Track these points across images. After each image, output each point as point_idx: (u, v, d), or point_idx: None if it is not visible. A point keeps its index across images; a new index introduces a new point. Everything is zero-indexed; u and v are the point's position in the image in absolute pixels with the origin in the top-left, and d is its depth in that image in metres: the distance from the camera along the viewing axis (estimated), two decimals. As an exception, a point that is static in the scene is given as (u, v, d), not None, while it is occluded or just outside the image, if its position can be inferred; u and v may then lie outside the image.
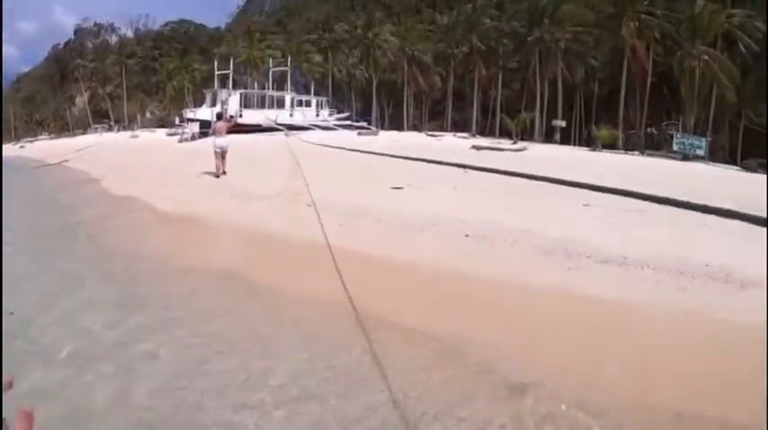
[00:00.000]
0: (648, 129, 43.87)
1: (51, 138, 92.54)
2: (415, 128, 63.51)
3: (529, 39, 53.61)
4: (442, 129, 59.37)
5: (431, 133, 44.13)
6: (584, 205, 10.80)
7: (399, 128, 61.74)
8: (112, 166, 26.12)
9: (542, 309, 6.14)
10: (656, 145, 36.82)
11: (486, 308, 6.37)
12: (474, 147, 27.06)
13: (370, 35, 68.66)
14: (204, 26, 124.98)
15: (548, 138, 50.08)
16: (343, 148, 25.25)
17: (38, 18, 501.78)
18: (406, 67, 66.04)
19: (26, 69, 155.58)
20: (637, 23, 46.39)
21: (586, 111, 57.02)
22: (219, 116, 21.55)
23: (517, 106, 57.29)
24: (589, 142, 43.07)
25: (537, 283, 6.68)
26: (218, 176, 17.30)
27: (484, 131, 56.28)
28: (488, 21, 61.79)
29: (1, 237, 8.97)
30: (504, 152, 25.94)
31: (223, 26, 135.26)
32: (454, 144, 30.12)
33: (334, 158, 21.46)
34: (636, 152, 35.15)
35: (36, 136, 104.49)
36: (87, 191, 18.80)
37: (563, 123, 48.96)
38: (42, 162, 39.32)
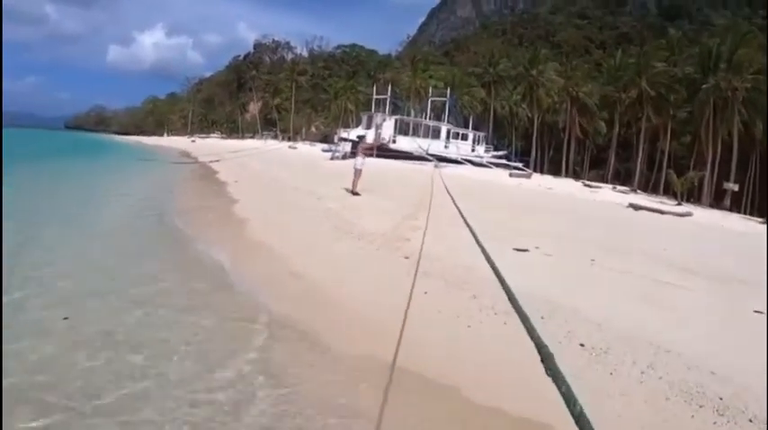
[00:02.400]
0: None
1: (222, 138, 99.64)
2: (575, 174, 59.98)
3: (703, 86, 47.47)
4: (603, 179, 55.23)
5: (588, 183, 40.81)
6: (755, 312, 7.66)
7: (557, 172, 58.55)
8: (250, 173, 27.35)
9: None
10: None
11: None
12: (632, 205, 24.25)
13: (534, 72, 65.98)
14: (375, 52, 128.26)
15: (716, 201, 44.65)
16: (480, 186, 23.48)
17: (223, 32, 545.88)
18: (569, 109, 62.22)
19: (208, 74, 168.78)
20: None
21: (763, 175, 48.61)
22: (360, 139, 21.27)
23: (685, 162, 52.00)
24: (763, 212, 37.87)
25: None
26: (353, 194, 17.75)
27: (647, 186, 51.55)
28: (659, 64, 56.11)
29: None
30: (665, 215, 22.94)
31: (393, 54, 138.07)
32: (610, 199, 27.09)
33: (467, 197, 18.41)
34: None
35: (209, 134, 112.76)
36: (205, 190, 18.31)
37: (735, 187, 43.04)
38: (193, 158, 41.37)
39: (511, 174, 37.70)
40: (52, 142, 71.62)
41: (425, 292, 7.14)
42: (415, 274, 7.23)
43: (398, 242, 10.32)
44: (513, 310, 6.20)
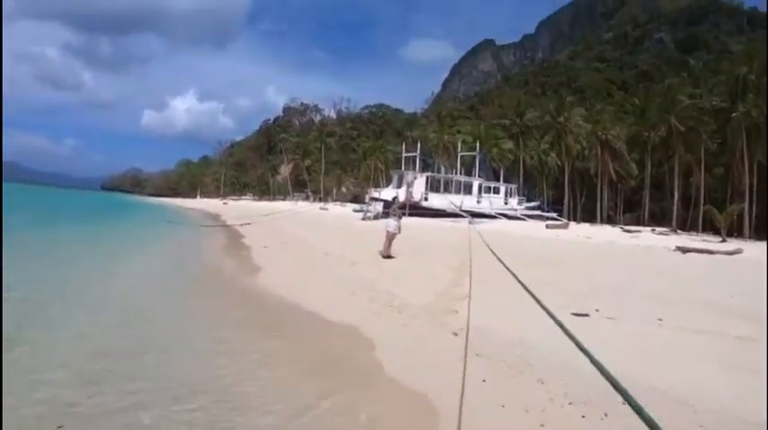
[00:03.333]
0: None
1: (253, 200, 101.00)
2: (610, 219, 58.34)
3: (733, 115, 45.80)
4: (639, 221, 53.89)
5: (627, 228, 39.61)
6: None
7: (592, 219, 56.99)
8: (279, 237, 26.36)
9: None
10: None
11: None
12: (679, 248, 23.21)
13: (560, 119, 65.01)
14: (401, 111, 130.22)
15: (758, 233, 42.13)
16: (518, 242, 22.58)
17: (252, 96, 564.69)
18: (599, 153, 60.67)
19: (239, 138, 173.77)
20: None
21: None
22: (393, 199, 20.43)
23: (719, 195, 50.34)
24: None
25: None
26: (384, 257, 16.69)
27: (684, 225, 49.42)
28: (686, 98, 54.54)
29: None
30: (715, 255, 21.77)
31: (419, 111, 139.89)
32: (653, 243, 25.93)
33: (506, 255, 16.42)
34: None
35: (241, 196, 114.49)
36: (226, 256, 16.79)
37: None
38: (221, 222, 41.11)
39: (547, 226, 36.64)
40: (83, 202, 73.80)
41: (483, 380, 5.92)
42: (465, 357, 6.25)
43: (445, 315, 9.07)
44: (589, 399, 5.35)
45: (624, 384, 4.81)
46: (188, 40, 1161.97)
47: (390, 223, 17.52)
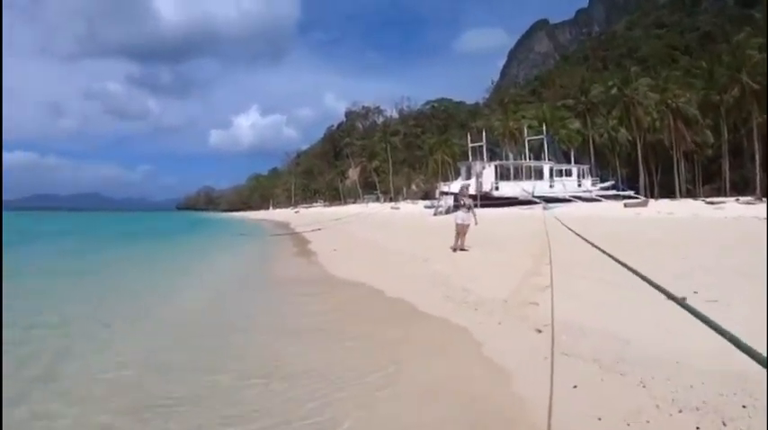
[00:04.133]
0: None
1: (324, 206, 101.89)
2: (689, 193, 55.70)
3: None
4: (720, 192, 51.04)
5: (710, 200, 37.17)
6: None
7: (671, 194, 54.44)
8: (349, 240, 26.25)
9: None
10: None
11: None
12: (772, 216, 21.20)
13: (627, 92, 62.62)
14: (462, 103, 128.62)
15: None
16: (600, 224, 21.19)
17: (313, 105, 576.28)
18: (671, 123, 57.69)
19: (305, 147, 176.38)
20: None
21: None
22: (461, 190, 19.31)
23: None
24: None
25: None
26: (454, 250, 15.95)
27: None
28: (755, 53, 51.47)
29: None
30: None
31: (480, 101, 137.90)
32: (741, 214, 23.86)
33: (590, 237, 14.65)
34: None
35: (312, 203, 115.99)
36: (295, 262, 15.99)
37: None
38: (291, 230, 41.25)
39: (626, 205, 34.79)
40: (159, 222, 76.97)
41: (574, 387, 4.98)
42: (552, 358, 5.24)
43: (524, 309, 8.07)
44: (703, 404, 4.32)
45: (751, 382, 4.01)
46: (244, 59, 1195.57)
47: (460, 215, 16.57)
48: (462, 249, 15.93)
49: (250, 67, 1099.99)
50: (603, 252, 10.50)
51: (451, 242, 16.46)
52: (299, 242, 28.47)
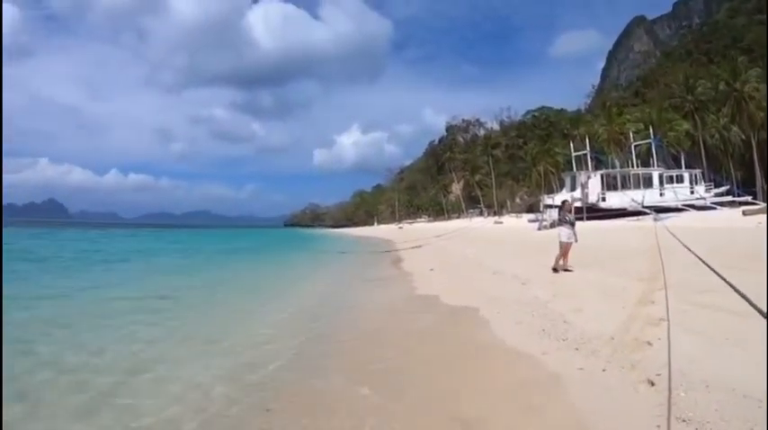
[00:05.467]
0: None
1: (428, 221, 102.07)
2: (816, 195, 51.30)
3: None
4: None
5: (842, 203, 33.64)
6: None
7: (795, 197, 49.94)
8: (448, 257, 25.53)
9: None
10: None
11: None
12: None
13: (736, 86, 58.52)
14: (564, 110, 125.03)
15: None
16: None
17: (413, 120, 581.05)
18: None
19: (407, 163, 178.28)
20: None
21: None
22: (563, 204, 18.13)
23: None
24: None
25: None
26: (556, 271, 14.79)
27: None
28: None
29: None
30: None
31: (582, 108, 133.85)
32: None
33: (708, 251, 13.71)
34: None
35: (415, 219, 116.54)
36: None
37: None
38: (393, 247, 41.01)
39: (744, 212, 32.09)
40: (265, 239, 79.94)
41: None
42: (669, 425, 4.24)
43: (634, 350, 6.64)
44: None
45: None
46: (342, 79, 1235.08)
47: (563, 232, 15.47)
48: (566, 269, 14.90)
49: (348, 87, 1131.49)
50: (724, 280, 9.36)
51: (554, 259, 15.38)
52: (396, 260, 28.10)
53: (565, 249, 15.24)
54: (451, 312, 11.13)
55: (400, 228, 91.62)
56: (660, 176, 47.43)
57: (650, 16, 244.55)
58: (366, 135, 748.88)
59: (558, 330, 8.35)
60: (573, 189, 44.29)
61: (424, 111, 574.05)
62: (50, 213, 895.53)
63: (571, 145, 58.34)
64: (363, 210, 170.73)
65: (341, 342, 9.10)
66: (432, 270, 20.31)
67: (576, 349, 7.19)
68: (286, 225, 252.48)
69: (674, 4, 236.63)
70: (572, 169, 51.97)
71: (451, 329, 9.50)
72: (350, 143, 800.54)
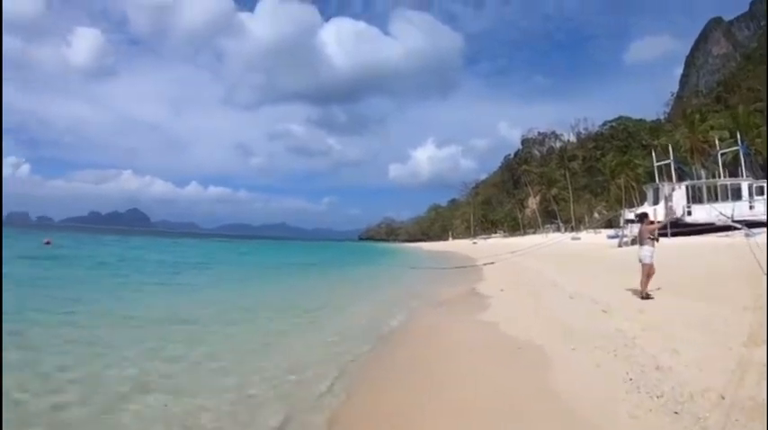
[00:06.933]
0: None
1: (504, 236, 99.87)
2: None
3: None
4: None
5: None
6: None
7: None
8: (519, 275, 24.37)
9: None
10: None
11: None
12: None
13: None
14: (643, 120, 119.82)
15: None
16: None
17: (487, 134, 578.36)
18: None
19: (483, 177, 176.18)
20: None
21: None
22: (642, 217, 15.97)
23: None
24: None
25: None
26: (643, 298, 12.85)
27: None
28: None
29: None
30: None
31: (661, 117, 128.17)
32: None
33: None
34: None
35: (490, 234, 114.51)
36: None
37: None
38: (467, 263, 39.95)
39: None
40: (337, 250, 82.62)
41: None
42: None
43: (753, 418, 4.93)
44: None
45: None
46: (415, 94, 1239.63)
47: (645, 252, 13.59)
48: (646, 296, 12.97)
49: (422, 102, 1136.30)
50: None
51: (637, 281, 13.58)
52: (465, 277, 26.98)
53: (647, 272, 13.36)
54: (513, 348, 9.47)
55: (474, 243, 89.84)
56: (750, 187, 43.70)
57: (727, 17, 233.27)
58: (441, 149, 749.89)
59: (649, 380, 6.46)
60: (656, 202, 41.51)
61: (499, 124, 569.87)
62: (134, 222, 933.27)
63: (653, 155, 55.14)
64: (438, 224, 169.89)
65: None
66: (502, 290, 18.85)
67: (676, 413, 5.37)
68: (361, 238, 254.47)
69: (751, 2, 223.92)
70: (653, 181, 49.01)
71: (504, 371, 7.92)
72: (425, 157, 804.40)
